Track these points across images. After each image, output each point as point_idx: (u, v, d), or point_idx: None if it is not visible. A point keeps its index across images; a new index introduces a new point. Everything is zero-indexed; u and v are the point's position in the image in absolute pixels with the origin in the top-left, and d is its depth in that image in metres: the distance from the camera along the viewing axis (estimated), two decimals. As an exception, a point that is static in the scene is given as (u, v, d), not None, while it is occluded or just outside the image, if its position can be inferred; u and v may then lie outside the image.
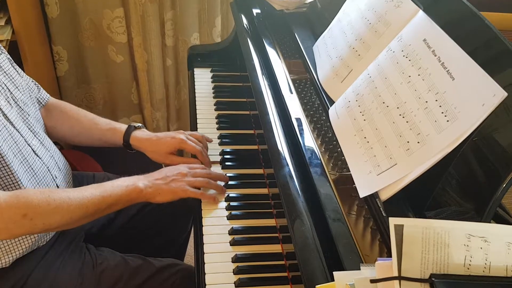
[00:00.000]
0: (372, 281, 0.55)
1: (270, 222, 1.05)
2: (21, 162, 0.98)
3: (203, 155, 1.16)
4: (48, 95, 1.22)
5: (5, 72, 1.05)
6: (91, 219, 0.98)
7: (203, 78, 1.55)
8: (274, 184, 1.10)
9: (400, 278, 0.54)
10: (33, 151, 1.03)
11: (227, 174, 1.16)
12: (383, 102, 0.83)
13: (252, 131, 1.32)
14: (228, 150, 1.25)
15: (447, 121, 0.71)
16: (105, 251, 1.12)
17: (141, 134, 1.18)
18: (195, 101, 1.44)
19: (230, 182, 1.14)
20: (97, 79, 2.02)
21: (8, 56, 1.10)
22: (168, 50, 1.98)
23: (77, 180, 1.23)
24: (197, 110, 1.41)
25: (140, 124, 1.21)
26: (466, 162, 0.72)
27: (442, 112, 0.73)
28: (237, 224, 1.04)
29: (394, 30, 0.92)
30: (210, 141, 1.25)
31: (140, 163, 1.45)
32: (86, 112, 1.24)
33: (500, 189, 0.62)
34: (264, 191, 1.13)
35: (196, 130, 1.33)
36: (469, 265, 0.55)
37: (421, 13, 0.86)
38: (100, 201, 0.96)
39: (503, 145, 0.69)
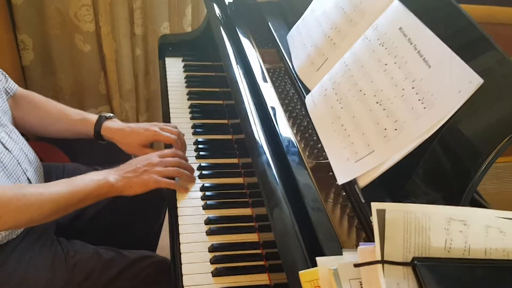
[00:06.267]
0: (356, 265, 0.56)
1: (246, 211, 1.04)
2: None
3: (178, 143, 1.15)
4: (16, 85, 1.18)
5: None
6: (62, 214, 0.96)
7: (175, 68, 1.52)
8: (249, 173, 1.09)
9: (383, 262, 0.55)
10: (2, 144, 0.99)
11: (201, 164, 1.15)
12: (360, 90, 0.84)
13: (225, 121, 1.31)
14: (202, 140, 1.24)
15: (424, 108, 0.72)
16: (77, 244, 1.10)
17: (113, 125, 1.15)
18: (167, 91, 1.42)
19: (204, 172, 1.13)
20: (63, 69, 1.96)
21: None
22: (137, 39, 1.94)
23: (46, 171, 1.19)
24: (169, 100, 1.38)
25: (111, 114, 1.18)
26: (438, 152, 0.73)
27: (419, 100, 0.74)
28: (213, 214, 1.03)
29: (369, 18, 0.92)
30: (183, 135, 1.23)
31: (108, 153, 1.41)
32: (55, 103, 1.20)
33: (478, 173, 0.64)
34: (239, 180, 1.12)
35: (169, 120, 1.31)
36: (450, 248, 0.56)
37: (396, 1, 0.87)
38: (71, 196, 0.94)
39: (477, 132, 0.71)
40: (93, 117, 1.17)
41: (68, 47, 1.90)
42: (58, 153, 1.84)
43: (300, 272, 0.61)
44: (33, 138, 1.84)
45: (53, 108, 1.19)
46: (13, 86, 1.17)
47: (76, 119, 1.17)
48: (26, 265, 1.00)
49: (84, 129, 1.16)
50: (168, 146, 1.19)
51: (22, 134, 1.13)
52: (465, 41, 0.73)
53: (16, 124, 1.14)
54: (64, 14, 1.82)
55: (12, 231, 0.99)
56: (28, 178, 1.04)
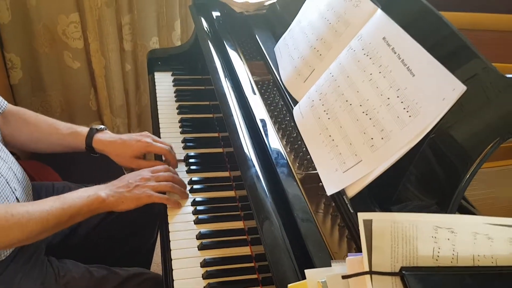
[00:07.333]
0: (344, 277, 0.55)
1: (238, 224, 1.04)
2: None
3: (171, 153, 1.14)
4: (5, 102, 1.17)
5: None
6: (52, 232, 0.95)
7: (164, 82, 1.52)
8: (240, 186, 1.09)
9: (371, 272, 0.54)
10: (-10, 163, 0.98)
11: (193, 178, 1.14)
12: (346, 100, 0.84)
13: (216, 134, 1.31)
14: (193, 154, 1.24)
15: (409, 116, 0.73)
16: (68, 263, 1.08)
17: (104, 137, 1.15)
18: (157, 105, 1.42)
19: (196, 186, 1.12)
20: (53, 86, 1.96)
21: None
22: (126, 55, 1.95)
23: (36, 190, 1.18)
24: (159, 115, 1.38)
25: (102, 127, 1.17)
26: (429, 157, 0.73)
27: (404, 108, 0.74)
28: (205, 228, 1.03)
29: (354, 29, 0.93)
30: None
31: (99, 170, 1.40)
32: (45, 118, 1.19)
33: (464, 179, 0.64)
34: (230, 193, 1.12)
35: (159, 135, 1.30)
36: (438, 256, 0.56)
37: (379, 12, 0.88)
38: (61, 213, 0.93)
39: (465, 138, 0.71)
40: (84, 130, 1.16)
41: (57, 65, 1.90)
42: (50, 171, 1.83)
43: (289, 285, 0.60)
44: (24, 156, 1.83)
45: (44, 124, 1.18)
46: (3, 103, 1.16)
47: (67, 132, 1.16)
48: (16, 287, 0.99)
49: (75, 142, 1.15)
50: (158, 157, 1.19)
51: (12, 153, 1.12)
52: (447, 49, 0.73)
53: (6, 141, 1.14)
54: (52, 31, 1.82)
55: (0, 253, 0.98)
56: (16, 197, 1.03)
